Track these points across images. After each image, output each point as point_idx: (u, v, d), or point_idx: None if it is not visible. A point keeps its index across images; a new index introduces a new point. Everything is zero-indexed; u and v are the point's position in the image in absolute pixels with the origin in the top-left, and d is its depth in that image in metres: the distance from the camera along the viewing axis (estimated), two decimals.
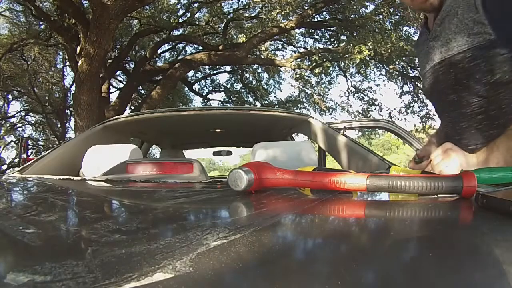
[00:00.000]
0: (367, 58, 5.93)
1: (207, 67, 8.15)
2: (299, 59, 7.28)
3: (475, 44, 0.61)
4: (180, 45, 7.95)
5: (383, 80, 7.86)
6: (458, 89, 0.69)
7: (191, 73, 8.14)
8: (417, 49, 0.87)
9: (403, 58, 6.63)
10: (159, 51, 7.43)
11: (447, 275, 0.22)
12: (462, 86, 0.67)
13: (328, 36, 7.32)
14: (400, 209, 0.44)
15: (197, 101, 9.46)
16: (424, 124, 7.48)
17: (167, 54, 8.13)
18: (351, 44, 5.63)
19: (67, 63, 7.66)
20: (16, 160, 6.24)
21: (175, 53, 8.16)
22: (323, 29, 7.11)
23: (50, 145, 9.35)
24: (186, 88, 8.92)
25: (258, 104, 8.60)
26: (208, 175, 0.85)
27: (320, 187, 0.48)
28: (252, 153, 1.10)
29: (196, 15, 7.17)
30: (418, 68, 7.15)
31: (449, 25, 0.66)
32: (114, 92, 7.71)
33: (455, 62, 0.66)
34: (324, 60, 6.79)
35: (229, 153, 3.46)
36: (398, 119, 7.65)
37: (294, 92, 8.68)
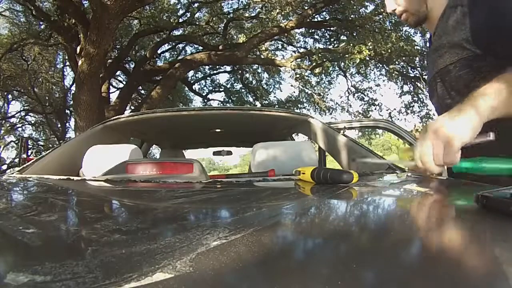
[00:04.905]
0: (367, 58, 5.91)
1: (207, 67, 8.15)
2: (299, 59, 7.27)
3: (463, 56, 0.73)
4: (180, 45, 7.94)
5: (383, 80, 7.83)
6: (451, 94, 0.79)
7: (191, 73, 8.14)
8: (426, 60, 1.00)
9: (403, 58, 6.62)
10: (159, 51, 7.42)
11: (447, 275, 0.22)
12: (454, 92, 0.78)
13: (328, 36, 7.31)
14: (400, 209, 0.44)
15: (197, 101, 9.46)
16: (424, 124, 7.47)
17: (167, 54, 8.12)
18: (351, 44, 5.62)
19: (67, 63, 7.65)
20: (16, 160, 6.23)
21: (175, 53, 8.16)
22: (323, 29, 7.09)
23: (50, 145, 9.34)
24: (186, 88, 8.91)
25: (258, 104, 8.58)
26: (208, 175, 0.85)
27: None
28: (252, 153, 1.09)
29: (196, 15, 7.17)
30: (419, 68, 7.22)
31: (443, 41, 0.78)
32: (114, 92, 7.71)
33: (448, 71, 0.78)
34: (324, 60, 6.77)
35: (229, 153, 3.46)
36: (398, 119, 7.65)
37: (294, 92, 8.68)
